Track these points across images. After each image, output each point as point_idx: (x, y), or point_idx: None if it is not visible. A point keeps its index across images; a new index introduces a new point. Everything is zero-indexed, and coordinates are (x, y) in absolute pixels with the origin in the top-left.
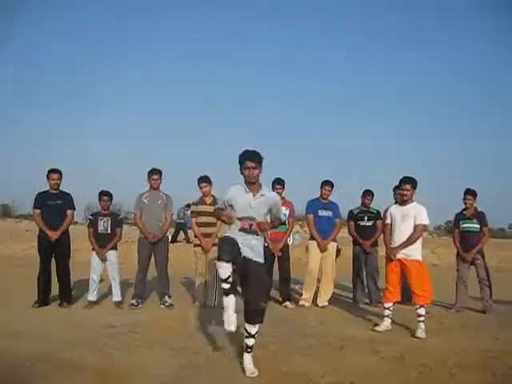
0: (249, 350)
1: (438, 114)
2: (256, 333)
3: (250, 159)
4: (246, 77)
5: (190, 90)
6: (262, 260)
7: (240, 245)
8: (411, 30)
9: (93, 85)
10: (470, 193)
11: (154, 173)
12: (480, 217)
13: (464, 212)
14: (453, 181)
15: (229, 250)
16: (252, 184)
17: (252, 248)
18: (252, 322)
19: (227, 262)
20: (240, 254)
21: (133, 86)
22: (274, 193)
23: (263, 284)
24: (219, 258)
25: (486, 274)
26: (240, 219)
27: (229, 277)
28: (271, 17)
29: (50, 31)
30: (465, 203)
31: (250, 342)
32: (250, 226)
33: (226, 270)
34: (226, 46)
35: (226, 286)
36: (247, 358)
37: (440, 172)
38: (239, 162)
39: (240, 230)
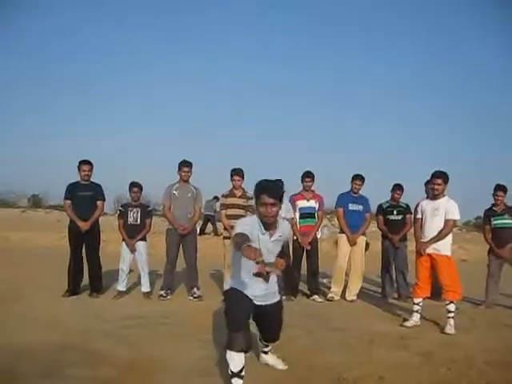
0: (270, 351)
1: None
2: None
3: (269, 194)
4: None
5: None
6: (278, 298)
7: (252, 297)
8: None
9: (124, 74)
10: (501, 188)
11: (185, 165)
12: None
13: (494, 208)
14: (483, 176)
15: (241, 333)
16: (269, 224)
17: (267, 294)
18: (270, 343)
19: (239, 352)
20: (252, 303)
21: (164, 79)
22: (287, 224)
23: (281, 319)
24: (229, 347)
25: None
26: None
27: (241, 370)
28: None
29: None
30: (495, 199)
31: (269, 348)
32: (268, 273)
33: (238, 362)
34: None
35: (236, 382)
36: (271, 357)
37: (470, 167)
38: (255, 194)
39: (254, 274)
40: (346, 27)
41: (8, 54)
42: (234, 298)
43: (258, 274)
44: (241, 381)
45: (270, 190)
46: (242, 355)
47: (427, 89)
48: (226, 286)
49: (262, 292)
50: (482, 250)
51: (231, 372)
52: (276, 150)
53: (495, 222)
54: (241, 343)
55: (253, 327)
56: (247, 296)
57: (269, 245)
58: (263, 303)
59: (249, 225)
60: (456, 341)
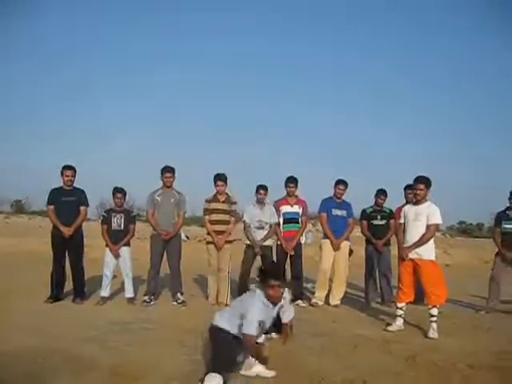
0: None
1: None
2: None
3: (276, 277)
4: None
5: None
6: None
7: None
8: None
9: (107, 81)
10: None
11: (168, 171)
12: None
13: (507, 212)
14: (464, 181)
15: (230, 367)
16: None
17: None
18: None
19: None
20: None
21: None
22: (286, 296)
23: None
24: (216, 371)
25: None
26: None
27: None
28: None
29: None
30: (511, 203)
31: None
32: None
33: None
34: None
35: None
36: (259, 365)
37: (452, 172)
38: (261, 276)
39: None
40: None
41: None
42: (226, 341)
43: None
44: None
45: (277, 273)
46: (222, 380)
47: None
48: (220, 324)
49: None
50: (466, 255)
51: None
52: (259, 155)
53: (506, 226)
54: (228, 374)
55: None
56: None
57: (272, 314)
58: None
59: (262, 312)
60: (439, 345)
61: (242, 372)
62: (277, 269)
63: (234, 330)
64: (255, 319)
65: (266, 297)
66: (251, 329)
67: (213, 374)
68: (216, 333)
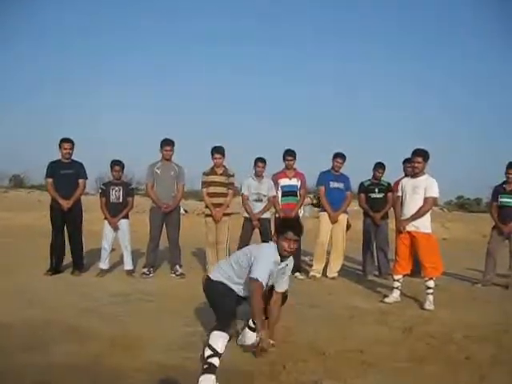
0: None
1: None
2: None
3: (295, 231)
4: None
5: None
6: None
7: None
8: None
9: (106, 58)
10: None
11: (167, 143)
12: None
13: (504, 186)
14: (466, 156)
15: (231, 321)
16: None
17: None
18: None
19: (228, 333)
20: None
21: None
22: (291, 261)
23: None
24: (220, 328)
25: None
26: None
27: (223, 352)
28: None
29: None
30: (507, 177)
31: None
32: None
33: (223, 342)
34: None
35: (217, 362)
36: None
37: (452, 147)
38: (280, 226)
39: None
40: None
41: None
42: (223, 292)
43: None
44: (219, 360)
45: (296, 228)
46: (227, 337)
47: (408, 63)
48: (215, 277)
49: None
50: (463, 229)
51: (214, 351)
52: (258, 129)
53: (502, 200)
54: (229, 326)
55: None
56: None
57: (275, 271)
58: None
59: (273, 261)
60: (435, 316)
61: (239, 343)
62: (297, 224)
63: (231, 281)
64: (267, 265)
65: (279, 250)
66: (262, 274)
67: (217, 333)
68: (212, 286)
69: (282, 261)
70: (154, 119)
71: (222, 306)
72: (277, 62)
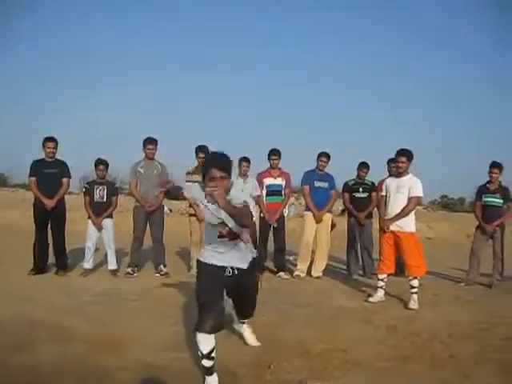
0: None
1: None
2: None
3: (219, 166)
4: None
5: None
6: (250, 265)
7: (222, 263)
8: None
9: (94, 56)
10: (496, 166)
11: (150, 142)
12: (504, 192)
13: (488, 185)
14: (452, 156)
15: (210, 315)
16: None
17: (236, 257)
18: (244, 319)
19: (209, 333)
20: (224, 278)
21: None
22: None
23: (254, 291)
24: (197, 329)
25: (501, 249)
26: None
27: (212, 351)
28: None
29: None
30: (490, 176)
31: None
32: (231, 234)
33: (206, 344)
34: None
35: (207, 363)
36: (246, 330)
37: (438, 147)
38: (202, 170)
39: (218, 236)
40: None
41: None
42: (205, 277)
43: (220, 235)
44: (211, 362)
45: (217, 160)
46: (211, 337)
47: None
48: (199, 258)
49: (231, 255)
50: (447, 229)
51: (201, 354)
52: (244, 128)
53: (486, 199)
54: (210, 324)
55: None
56: (219, 269)
57: (222, 212)
58: (235, 267)
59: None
60: (419, 315)
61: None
62: (219, 157)
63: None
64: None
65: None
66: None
67: (196, 336)
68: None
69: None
70: (141, 118)
71: (200, 291)
72: (265, 61)
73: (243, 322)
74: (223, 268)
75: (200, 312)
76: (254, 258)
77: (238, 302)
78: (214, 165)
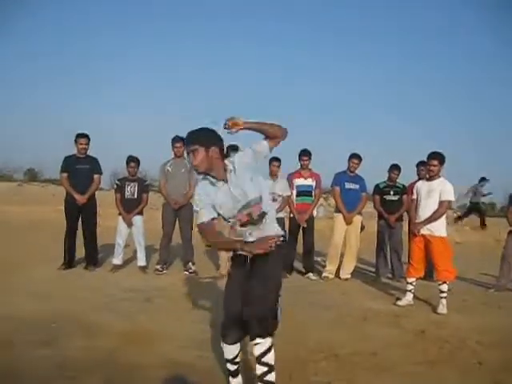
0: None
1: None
2: (263, 354)
3: (186, 141)
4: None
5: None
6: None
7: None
8: None
9: (124, 51)
10: None
11: (177, 141)
12: None
13: None
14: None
15: (234, 327)
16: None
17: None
18: (252, 336)
19: (231, 345)
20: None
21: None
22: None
23: (272, 282)
24: (221, 338)
25: None
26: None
27: (235, 357)
28: None
29: None
30: None
31: (260, 370)
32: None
33: (231, 350)
34: None
35: (231, 367)
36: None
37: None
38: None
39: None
40: None
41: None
42: (231, 289)
43: (242, 224)
44: (235, 366)
45: (186, 137)
46: (234, 346)
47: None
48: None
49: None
50: (477, 234)
51: (225, 358)
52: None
53: None
54: (231, 338)
55: None
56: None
57: (234, 191)
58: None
59: (204, 192)
60: (448, 320)
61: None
62: (190, 133)
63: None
64: (202, 203)
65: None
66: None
67: (222, 344)
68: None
69: (213, 177)
70: (170, 119)
71: (225, 303)
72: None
73: (255, 343)
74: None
75: (223, 320)
76: (283, 239)
77: (251, 288)
78: (185, 139)
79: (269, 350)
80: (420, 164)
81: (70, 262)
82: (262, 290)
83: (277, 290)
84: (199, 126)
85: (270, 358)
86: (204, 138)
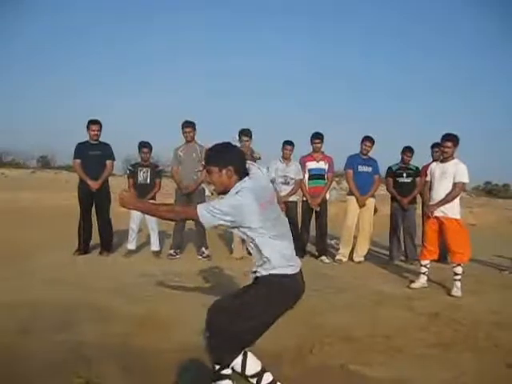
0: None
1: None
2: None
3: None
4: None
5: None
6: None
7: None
8: None
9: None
10: None
11: (187, 125)
12: None
13: None
14: (494, 141)
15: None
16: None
17: None
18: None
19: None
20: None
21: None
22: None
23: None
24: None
25: None
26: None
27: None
28: None
29: None
30: None
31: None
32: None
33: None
34: None
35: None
36: None
37: (481, 131)
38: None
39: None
40: None
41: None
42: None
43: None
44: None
45: (205, 155)
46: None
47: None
48: (272, 270)
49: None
50: (491, 216)
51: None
52: (286, 112)
53: None
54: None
55: None
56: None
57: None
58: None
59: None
60: (463, 303)
61: None
62: (208, 152)
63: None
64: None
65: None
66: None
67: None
68: None
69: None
70: (186, 104)
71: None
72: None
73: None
74: (297, 276)
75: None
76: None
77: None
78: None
79: (243, 363)
80: (435, 146)
81: (84, 248)
82: (229, 302)
83: (245, 316)
84: (220, 142)
85: (250, 369)
86: (219, 157)
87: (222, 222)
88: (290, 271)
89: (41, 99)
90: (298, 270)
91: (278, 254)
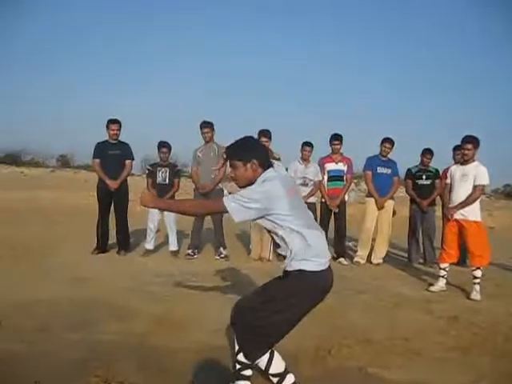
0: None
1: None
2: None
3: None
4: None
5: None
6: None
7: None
8: None
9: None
10: None
11: (205, 126)
12: None
13: None
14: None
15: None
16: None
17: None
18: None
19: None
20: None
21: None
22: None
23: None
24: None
25: None
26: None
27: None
28: None
29: None
30: None
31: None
32: None
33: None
34: None
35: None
36: None
37: (501, 134)
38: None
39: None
40: None
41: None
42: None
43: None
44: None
45: (227, 151)
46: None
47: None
48: (299, 265)
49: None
50: (510, 218)
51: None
52: (286, 112)
53: None
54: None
55: None
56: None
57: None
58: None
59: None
60: (482, 306)
61: None
62: (229, 146)
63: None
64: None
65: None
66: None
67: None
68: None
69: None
70: (186, 104)
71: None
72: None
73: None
74: (325, 273)
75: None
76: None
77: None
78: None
79: (269, 361)
80: (456, 148)
81: (102, 247)
82: (253, 296)
83: (269, 310)
84: (241, 137)
85: (274, 368)
86: (242, 151)
87: (251, 213)
88: (317, 266)
89: (41, 99)
90: (327, 265)
91: (305, 244)
